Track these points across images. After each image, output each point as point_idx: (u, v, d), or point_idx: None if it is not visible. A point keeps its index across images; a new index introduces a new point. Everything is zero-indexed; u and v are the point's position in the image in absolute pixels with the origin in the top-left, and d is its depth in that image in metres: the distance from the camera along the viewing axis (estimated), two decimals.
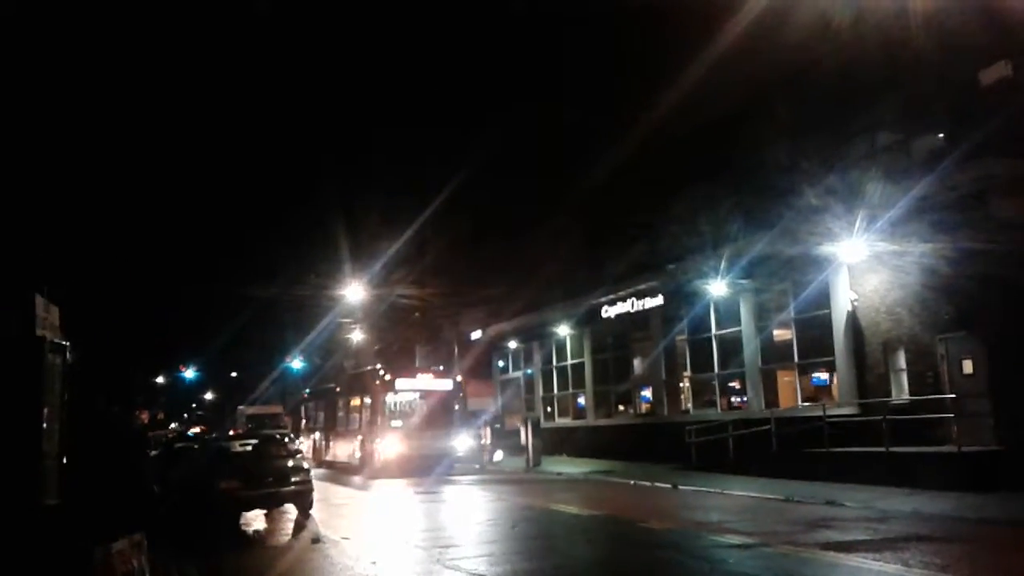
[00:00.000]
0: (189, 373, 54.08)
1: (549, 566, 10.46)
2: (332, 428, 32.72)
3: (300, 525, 15.19)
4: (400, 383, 28.32)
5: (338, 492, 22.44)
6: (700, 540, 12.22)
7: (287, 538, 14.16)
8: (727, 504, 16.44)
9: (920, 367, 19.12)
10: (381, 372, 28.66)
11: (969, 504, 14.36)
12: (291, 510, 16.58)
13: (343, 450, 30.50)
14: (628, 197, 27.94)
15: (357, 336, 43.16)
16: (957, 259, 17.53)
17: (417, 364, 34.15)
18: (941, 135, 18.70)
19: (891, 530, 12.32)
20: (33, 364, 4.54)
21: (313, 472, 25.71)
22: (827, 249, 20.30)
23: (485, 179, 28.92)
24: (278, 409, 48.03)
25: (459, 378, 29.76)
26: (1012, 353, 16.81)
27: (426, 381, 29.06)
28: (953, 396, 17.71)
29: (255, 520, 16.13)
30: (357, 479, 26.20)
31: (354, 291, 33.02)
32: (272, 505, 16.19)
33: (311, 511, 16.17)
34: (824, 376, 22.46)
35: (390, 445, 26.80)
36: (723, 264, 23.73)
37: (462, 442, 28.35)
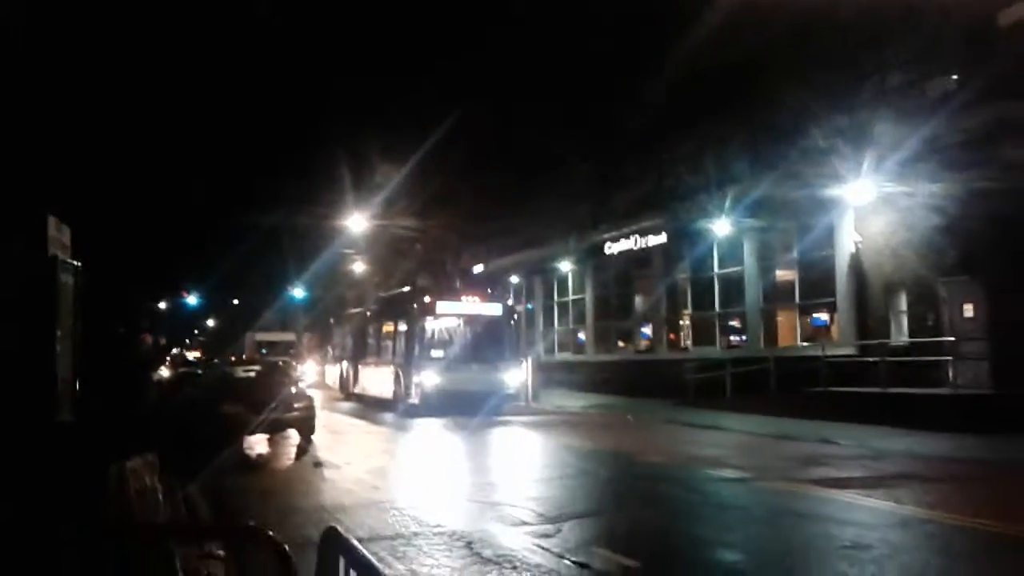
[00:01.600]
0: (192, 299, 54.27)
1: (551, 492, 10.66)
2: (362, 357, 29.64)
3: (302, 450, 15.44)
4: (442, 306, 24.64)
5: (367, 429, 21.06)
6: (695, 473, 12.44)
7: (289, 462, 14.42)
8: (723, 440, 16.68)
9: (921, 309, 19.22)
10: (421, 293, 25.68)
11: (962, 445, 14.58)
12: (294, 436, 16.85)
13: (374, 383, 27.32)
14: (636, 133, 27.66)
15: (358, 267, 43.20)
16: (964, 201, 17.48)
17: (459, 285, 30.14)
18: (955, 76, 18.48)
19: (884, 468, 12.53)
20: (45, 284, 4.57)
21: (341, 406, 27.00)
22: (834, 191, 20.23)
23: (487, 107, 28.36)
24: (291, 336, 47.37)
25: (511, 301, 26.45)
26: (1012, 297, 16.87)
27: (472, 304, 25.12)
28: (952, 339, 17.83)
29: (258, 444, 16.38)
30: (388, 416, 23.56)
31: (356, 222, 32.86)
32: (275, 430, 16.44)
33: (312, 437, 16.44)
34: (824, 317, 22.59)
35: (429, 378, 23.28)
36: (728, 203, 23.67)
37: (513, 377, 24.48)
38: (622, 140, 28.31)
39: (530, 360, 27.77)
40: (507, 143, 29.21)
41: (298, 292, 46.08)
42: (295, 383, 17.35)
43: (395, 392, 24.46)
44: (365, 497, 10.65)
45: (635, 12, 24.49)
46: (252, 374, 17.16)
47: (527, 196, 30.28)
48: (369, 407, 26.37)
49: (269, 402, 15.85)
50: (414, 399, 23.12)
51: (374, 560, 2.97)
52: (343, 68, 31.13)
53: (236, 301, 64.02)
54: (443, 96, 28.20)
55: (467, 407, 21.78)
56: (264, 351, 42.34)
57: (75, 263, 4.89)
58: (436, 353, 23.87)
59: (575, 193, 30.11)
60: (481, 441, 17.61)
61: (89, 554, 3.98)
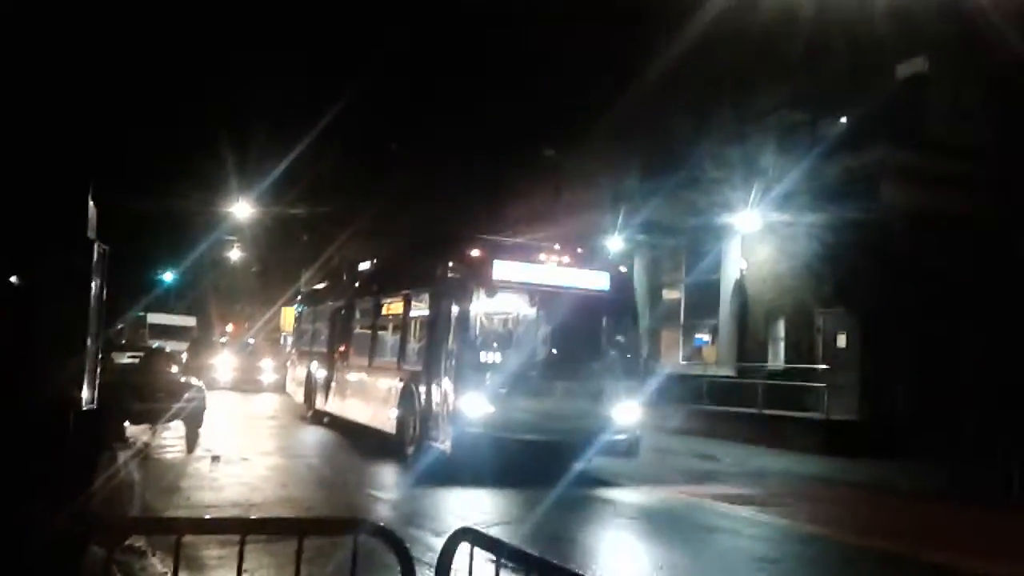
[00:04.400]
0: None
1: None
2: (340, 357, 18.30)
3: (192, 442, 14.87)
4: (505, 270, 13.00)
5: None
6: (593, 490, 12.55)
7: (181, 455, 13.88)
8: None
9: (797, 337, 20.31)
10: (462, 248, 13.70)
11: (834, 467, 15.50)
12: (179, 428, 16.18)
13: (361, 402, 16.52)
14: (532, 141, 28.06)
15: (235, 255, 41.94)
16: (843, 235, 18.57)
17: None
18: (844, 119, 19.70)
19: (771, 486, 13.18)
20: (85, 269, 4.37)
21: (298, 436, 17.88)
22: (724, 218, 21.16)
23: (370, 105, 28.02)
24: (191, 321, 42.42)
25: (623, 268, 15.15)
26: (881, 330, 18.08)
27: (560, 271, 13.30)
28: (825, 367, 18.94)
29: (143, 436, 15.67)
30: (388, 474, 13.24)
31: (241, 208, 31.90)
32: (160, 421, 15.75)
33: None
34: (706, 337, 23.53)
35: (475, 406, 12.09)
36: (620, 221, 24.31)
37: (627, 409, 12.93)
38: (518, 147, 28.66)
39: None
40: (405, 134, 28.86)
41: (167, 276, 44.25)
42: (184, 371, 16.66)
43: (401, 424, 13.83)
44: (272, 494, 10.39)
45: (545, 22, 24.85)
46: (136, 360, 16.38)
47: (420, 194, 30.08)
48: (348, 446, 16.13)
49: (156, 391, 15.19)
50: (441, 442, 12.25)
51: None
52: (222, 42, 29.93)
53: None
54: (336, 83, 27.71)
55: (539, 463, 12.28)
56: (152, 337, 38.08)
57: (104, 246, 4.66)
58: (489, 359, 12.80)
59: (468, 196, 30.20)
60: None
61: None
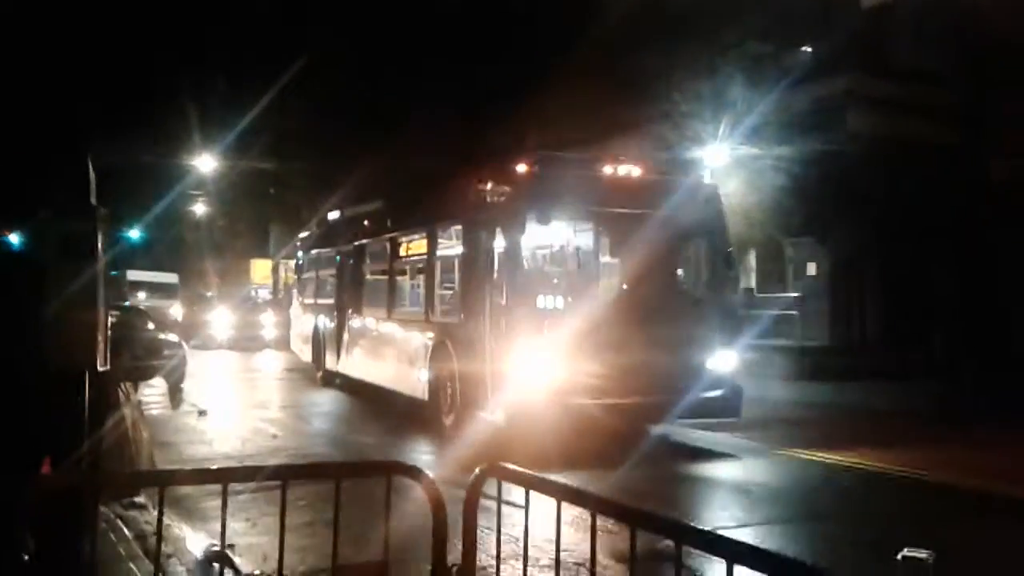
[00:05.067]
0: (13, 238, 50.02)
1: None
2: (354, 311, 15.52)
3: (177, 399, 14.93)
4: (563, 188, 10.24)
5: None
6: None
7: (167, 411, 13.95)
8: None
9: (769, 267, 20.66)
10: (509, 161, 10.82)
11: (808, 391, 15.95)
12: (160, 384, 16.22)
13: (385, 364, 13.77)
14: (501, 86, 27.78)
15: (200, 210, 41.40)
16: (811, 166, 18.79)
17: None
18: (810, 50, 19.78)
19: (751, 411, 13.54)
20: (90, 235, 4.41)
21: (306, 402, 15.46)
22: (693, 153, 21.24)
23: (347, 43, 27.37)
24: (173, 278, 39.14)
25: (709, 180, 14.01)
26: (850, 258, 18.46)
27: (632, 189, 10.60)
28: (797, 295, 19.33)
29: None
30: (422, 450, 10.73)
31: (204, 161, 31.40)
32: (141, 378, 15.76)
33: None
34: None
35: (533, 369, 9.53)
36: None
37: (724, 358, 10.51)
38: (485, 89, 28.32)
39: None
40: (370, 84, 28.23)
41: (133, 233, 43.55)
42: (163, 328, 16.64)
43: (435, 388, 11.45)
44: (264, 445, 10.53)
45: None
46: (112, 319, 16.25)
47: (388, 142, 29.64)
48: (370, 413, 13.93)
49: (134, 349, 15.18)
50: (491, 412, 9.90)
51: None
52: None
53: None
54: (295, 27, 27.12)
55: (615, 432, 9.77)
56: (132, 294, 34.74)
57: (103, 209, 4.68)
58: (548, 304, 10.26)
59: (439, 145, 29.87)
60: None
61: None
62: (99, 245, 4.46)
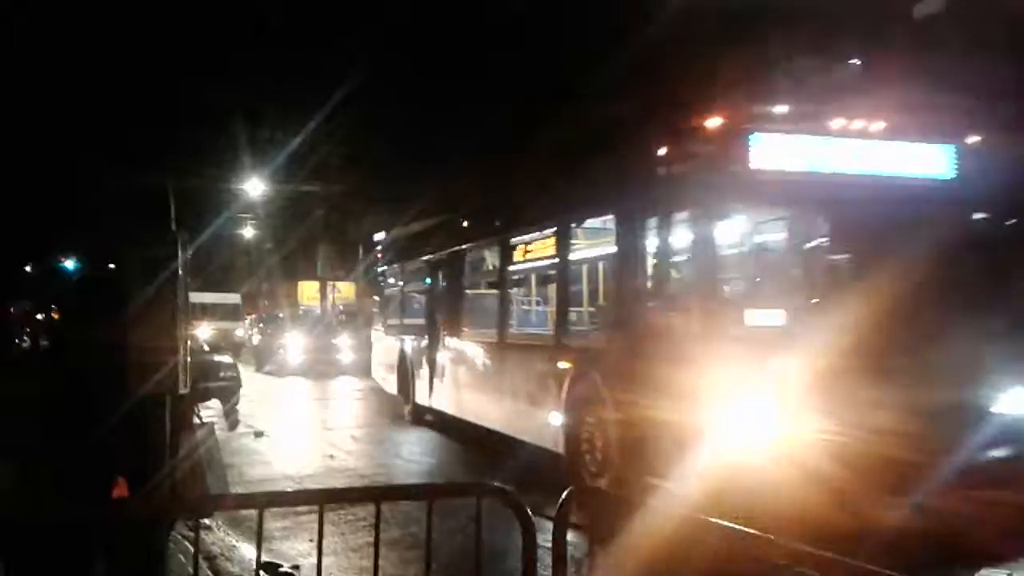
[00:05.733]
0: (69, 263, 51.19)
1: None
2: (452, 330, 12.56)
3: (233, 421, 15.12)
4: (779, 150, 6.81)
5: None
6: None
7: (224, 432, 14.10)
8: None
9: None
10: (696, 114, 6.99)
11: None
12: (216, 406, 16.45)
13: (496, 401, 10.76)
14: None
15: (249, 232, 42.02)
16: None
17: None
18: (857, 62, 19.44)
19: None
20: (171, 258, 4.56)
21: (390, 450, 12.38)
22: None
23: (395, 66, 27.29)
24: (235, 298, 38.59)
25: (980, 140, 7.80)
26: None
27: (880, 149, 7.12)
28: None
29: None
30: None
31: (254, 186, 31.86)
32: (201, 399, 16.00)
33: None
34: None
35: (767, 419, 6.23)
36: None
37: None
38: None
39: None
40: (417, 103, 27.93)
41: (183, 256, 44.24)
42: (217, 350, 16.90)
43: (573, 439, 8.56)
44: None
45: None
46: None
47: (432, 158, 29.26)
48: (475, 467, 10.67)
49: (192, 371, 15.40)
50: (682, 479, 6.50)
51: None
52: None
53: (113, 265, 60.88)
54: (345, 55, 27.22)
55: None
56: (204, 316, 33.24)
57: (184, 233, 4.82)
58: (770, 320, 6.88)
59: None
60: None
61: None
62: (179, 269, 4.56)
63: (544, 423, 9.08)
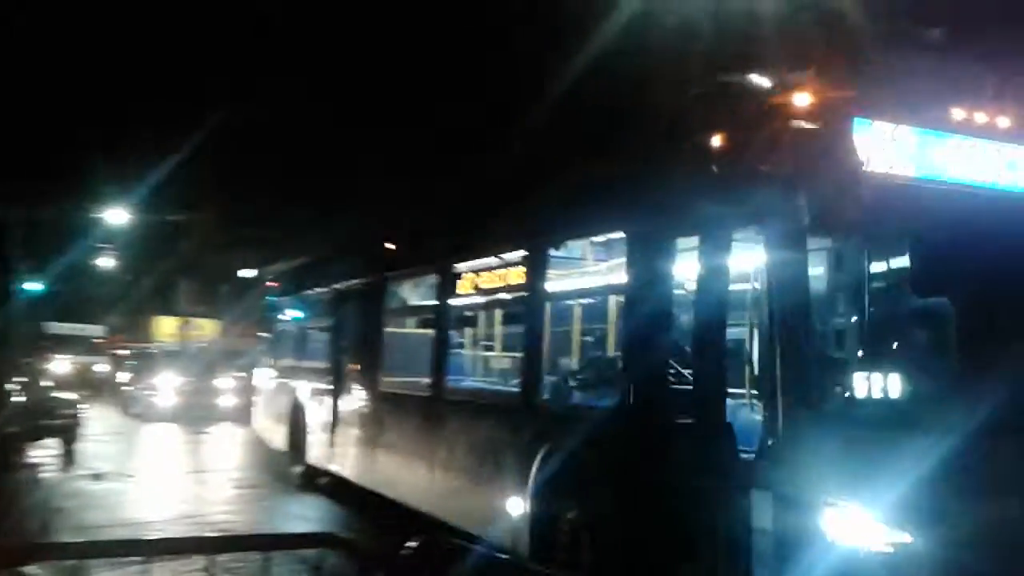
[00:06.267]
0: None
1: None
2: (365, 382, 10.09)
3: (70, 460, 14.14)
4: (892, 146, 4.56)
5: None
6: None
7: (59, 473, 13.16)
8: None
9: None
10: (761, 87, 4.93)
11: None
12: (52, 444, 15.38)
13: (425, 473, 8.22)
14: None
15: (107, 263, 40.01)
16: None
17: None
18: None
19: None
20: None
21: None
22: None
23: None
24: (97, 330, 36.09)
25: None
26: None
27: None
28: None
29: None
30: None
31: (115, 215, 30.30)
32: (34, 438, 14.97)
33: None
34: None
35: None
36: None
37: None
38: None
39: None
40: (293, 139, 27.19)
41: (34, 285, 41.57)
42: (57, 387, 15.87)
43: (540, 537, 6.26)
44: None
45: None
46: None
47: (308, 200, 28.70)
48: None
49: (31, 409, 14.45)
50: None
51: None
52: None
53: None
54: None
55: None
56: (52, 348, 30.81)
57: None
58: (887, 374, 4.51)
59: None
60: None
61: None
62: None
63: (496, 511, 6.74)
